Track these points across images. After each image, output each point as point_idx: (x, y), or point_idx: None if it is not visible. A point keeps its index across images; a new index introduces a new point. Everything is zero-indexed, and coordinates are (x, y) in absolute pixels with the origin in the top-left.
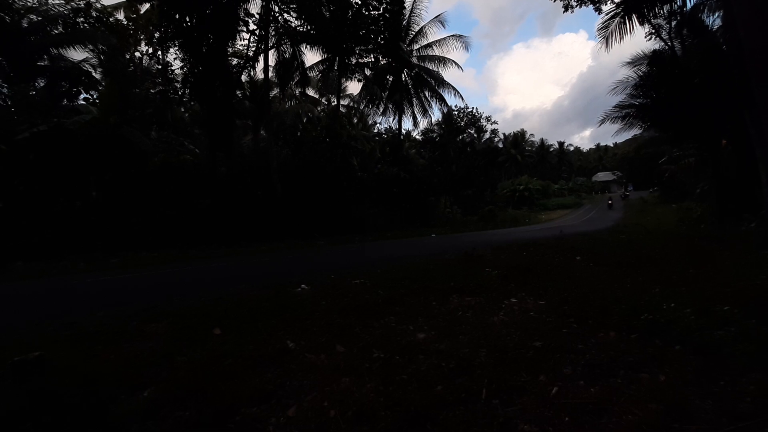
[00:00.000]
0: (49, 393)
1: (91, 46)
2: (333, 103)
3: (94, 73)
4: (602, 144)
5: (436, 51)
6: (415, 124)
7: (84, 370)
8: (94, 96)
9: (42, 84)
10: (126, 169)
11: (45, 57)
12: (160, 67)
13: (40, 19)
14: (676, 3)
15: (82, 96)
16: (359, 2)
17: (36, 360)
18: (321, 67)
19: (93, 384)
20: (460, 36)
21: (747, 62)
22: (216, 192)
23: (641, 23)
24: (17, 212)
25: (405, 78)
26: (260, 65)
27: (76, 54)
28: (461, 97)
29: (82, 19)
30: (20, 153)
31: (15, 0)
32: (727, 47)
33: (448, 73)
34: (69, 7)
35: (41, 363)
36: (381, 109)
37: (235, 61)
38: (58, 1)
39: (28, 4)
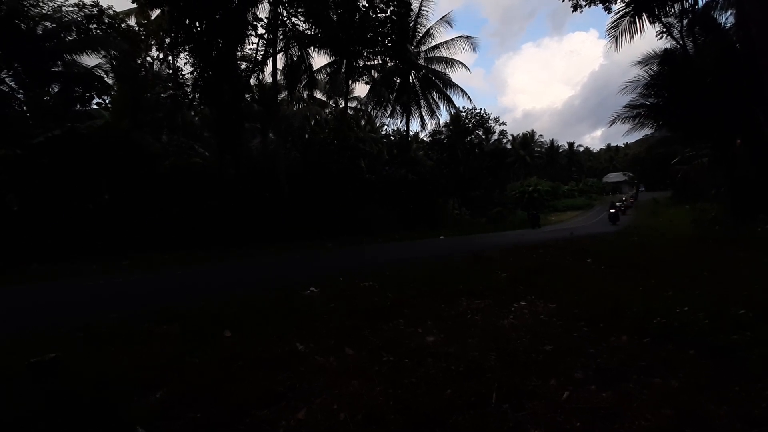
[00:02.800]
0: (63, 394)
1: (103, 52)
2: (341, 106)
3: (106, 78)
4: (613, 144)
5: (444, 52)
6: (423, 125)
7: (97, 372)
8: (107, 101)
9: (56, 89)
10: (137, 172)
11: (59, 63)
12: (170, 71)
13: (54, 25)
14: (687, 1)
15: (94, 101)
16: (366, 5)
17: (51, 361)
18: (329, 70)
19: (106, 385)
20: (468, 37)
21: (759, 60)
22: (224, 194)
23: (651, 22)
24: (32, 215)
25: (412, 80)
26: (268, 69)
27: (89, 60)
28: (469, 98)
29: (94, 25)
30: (35, 157)
31: (30, 7)
32: (740, 45)
33: (456, 74)
34: (82, 13)
35: (56, 364)
36: (389, 111)
37: (243, 65)
38: (71, 8)
39: (43, 11)
